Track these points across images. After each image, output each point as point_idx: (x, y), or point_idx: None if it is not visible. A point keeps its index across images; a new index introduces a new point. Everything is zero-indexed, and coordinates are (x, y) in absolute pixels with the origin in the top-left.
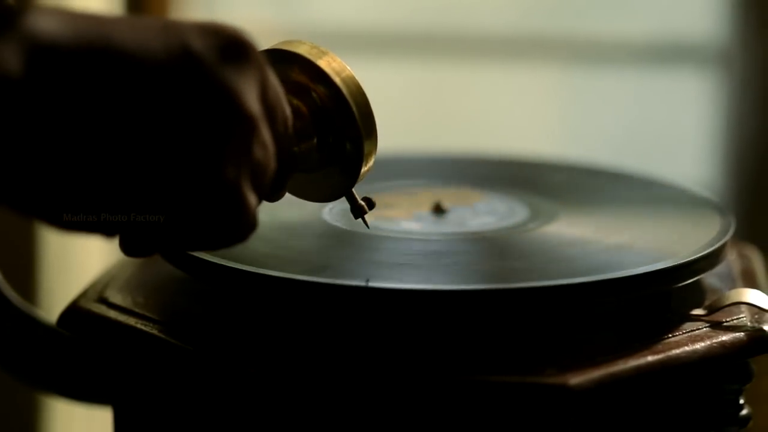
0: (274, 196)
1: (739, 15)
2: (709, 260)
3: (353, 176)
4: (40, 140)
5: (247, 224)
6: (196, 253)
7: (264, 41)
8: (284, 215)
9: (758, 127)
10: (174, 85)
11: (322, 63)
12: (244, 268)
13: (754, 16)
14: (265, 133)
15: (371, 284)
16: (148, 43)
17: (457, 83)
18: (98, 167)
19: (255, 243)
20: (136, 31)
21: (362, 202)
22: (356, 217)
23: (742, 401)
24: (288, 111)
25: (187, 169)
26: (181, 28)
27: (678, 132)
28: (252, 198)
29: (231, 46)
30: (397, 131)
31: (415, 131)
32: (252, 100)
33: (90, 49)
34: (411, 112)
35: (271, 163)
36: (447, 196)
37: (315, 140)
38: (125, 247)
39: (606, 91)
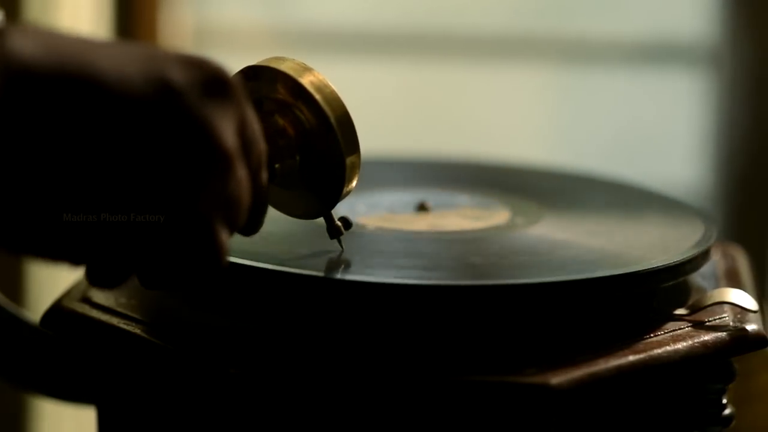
0: (250, 231)
1: (728, 15)
2: (693, 263)
3: (332, 199)
4: (9, 166)
5: (215, 260)
6: None
7: (255, 42)
8: (273, 211)
9: (748, 126)
10: (152, 117)
11: (305, 81)
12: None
13: (744, 15)
14: (241, 171)
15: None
16: (128, 73)
17: (448, 83)
18: (68, 194)
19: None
20: (116, 59)
21: (339, 223)
22: (332, 238)
23: (725, 401)
24: (264, 147)
25: (159, 202)
26: (162, 59)
27: (668, 131)
28: (223, 235)
29: (212, 81)
30: (387, 131)
31: (405, 131)
32: (229, 137)
33: (67, 76)
34: (401, 112)
35: (245, 199)
36: (430, 198)
37: (297, 158)
38: (91, 278)
39: (596, 91)
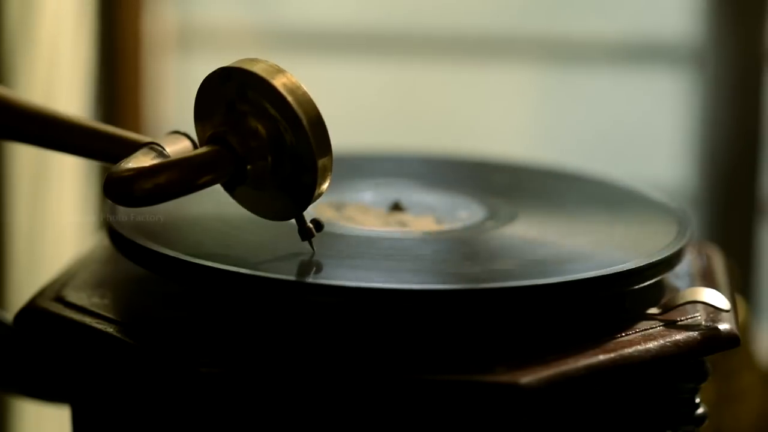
0: None
1: (712, 14)
2: (665, 265)
3: (304, 201)
4: None
5: None
6: (159, 249)
7: (239, 42)
8: (245, 212)
9: (732, 126)
10: None
11: (277, 82)
12: (201, 263)
13: (728, 15)
14: None
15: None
16: None
17: (432, 83)
18: None
19: (220, 238)
20: None
21: (310, 225)
22: (303, 240)
23: (698, 400)
24: None
25: None
26: None
27: (652, 131)
28: None
29: None
30: (371, 131)
31: (389, 131)
32: None
33: None
34: (386, 112)
35: None
36: (405, 195)
37: (269, 160)
38: None
39: (580, 91)
